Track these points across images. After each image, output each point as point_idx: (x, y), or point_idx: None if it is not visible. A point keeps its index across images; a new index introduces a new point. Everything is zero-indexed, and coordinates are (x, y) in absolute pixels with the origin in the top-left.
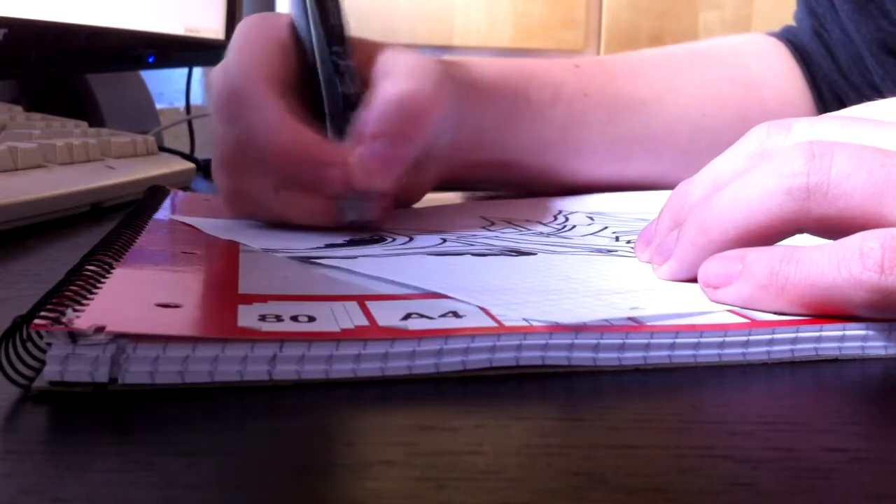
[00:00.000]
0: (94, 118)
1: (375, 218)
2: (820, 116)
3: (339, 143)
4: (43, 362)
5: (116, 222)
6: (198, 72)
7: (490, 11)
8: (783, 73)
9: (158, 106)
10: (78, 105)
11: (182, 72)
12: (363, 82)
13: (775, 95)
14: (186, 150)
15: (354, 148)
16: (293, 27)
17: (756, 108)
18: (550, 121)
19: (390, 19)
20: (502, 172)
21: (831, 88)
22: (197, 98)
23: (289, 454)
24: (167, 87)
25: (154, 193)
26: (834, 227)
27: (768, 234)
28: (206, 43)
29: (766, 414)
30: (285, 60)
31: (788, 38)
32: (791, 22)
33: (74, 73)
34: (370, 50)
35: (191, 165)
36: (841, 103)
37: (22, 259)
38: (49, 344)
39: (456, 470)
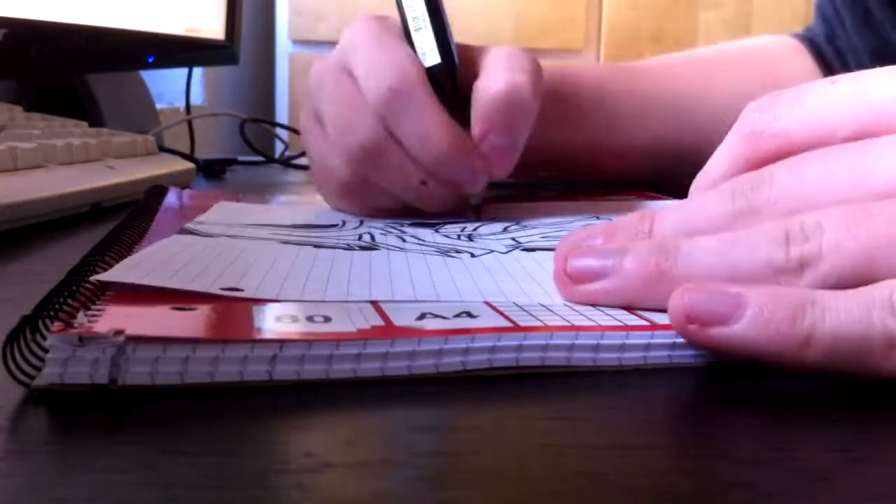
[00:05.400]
0: (94, 118)
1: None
2: (803, 152)
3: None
4: (43, 360)
5: (116, 222)
6: (198, 72)
7: (490, 11)
8: (808, 76)
9: (158, 106)
10: (78, 105)
11: (182, 72)
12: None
13: None
14: (186, 150)
15: (479, 144)
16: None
17: None
18: (596, 122)
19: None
20: (548, 169)
21: None
22: (197, 98)
23: (289, 454)
24: (167, 87)
25: (154, 193)
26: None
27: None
28: (206, 43)
29: (766, 414)
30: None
31: (810, 40)
32: (792, 22)
33: (74, 73)
34: (472, 52)
35: (191, 165)
36: None
37: (22, 259)
38: (48, 346)
39: (456, 470)
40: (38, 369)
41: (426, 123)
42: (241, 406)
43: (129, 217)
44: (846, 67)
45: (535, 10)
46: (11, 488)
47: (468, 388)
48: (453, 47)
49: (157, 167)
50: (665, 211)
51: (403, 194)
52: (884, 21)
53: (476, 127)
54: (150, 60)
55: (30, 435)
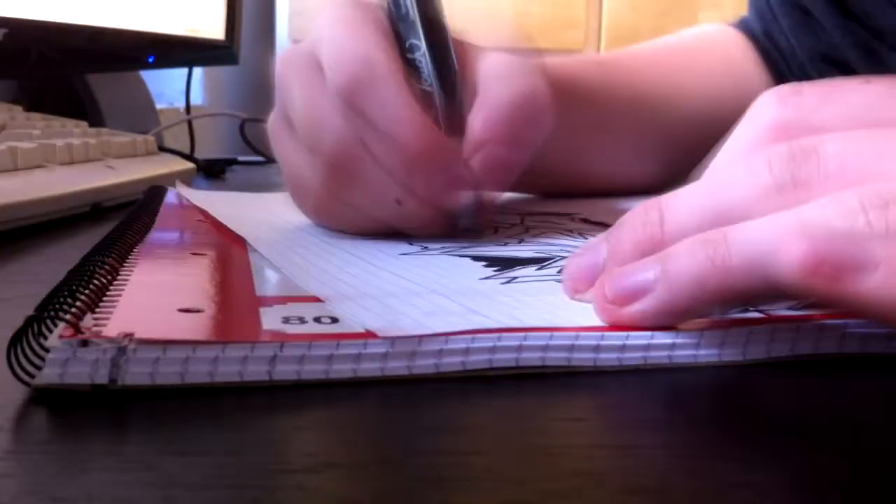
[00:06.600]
0: (94, 118)
1: (486, 225)
2: (846, 132)
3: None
4: (44, 360)
5: (116, 222)
6: (198, 72)
7: (490, 11)
8: (758, 66)
9: (158, 106)
10: (78, 105)
11: (182, 72)
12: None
13: (759, 90)
14: (186, 150)
15: (472, 153)
16: (390, 17)
17: (747, 101)
18: (582, 125)
19: None
20: (539, 178)
21: None
22: (197, 98)
23: (289, 454)
24: (167, 87)
25: (154, 193)
26: None
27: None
28: (207, 43)
29: (766, 414)
30: (395, 50)
31: (749, 31)
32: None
33: (74, 73)
34: (464, 49)
35: (191, 165)
36: None
37: (22, 259)
38: (49, 346)
39: (456, 470)
40: (39, 368)
41: (395, 120)
42: (241, 406)
43: (129, 217)
44: (787, 65)
45: (535, 10)
46: (11, 488)
47: (468, 388)
48: (455, 76)
49: (157, 167)
50: (674, 198)
51: (380, 213)
52: (826, 24)
53: (475, 132)
54: (150, 60)
55: (30, 435)
